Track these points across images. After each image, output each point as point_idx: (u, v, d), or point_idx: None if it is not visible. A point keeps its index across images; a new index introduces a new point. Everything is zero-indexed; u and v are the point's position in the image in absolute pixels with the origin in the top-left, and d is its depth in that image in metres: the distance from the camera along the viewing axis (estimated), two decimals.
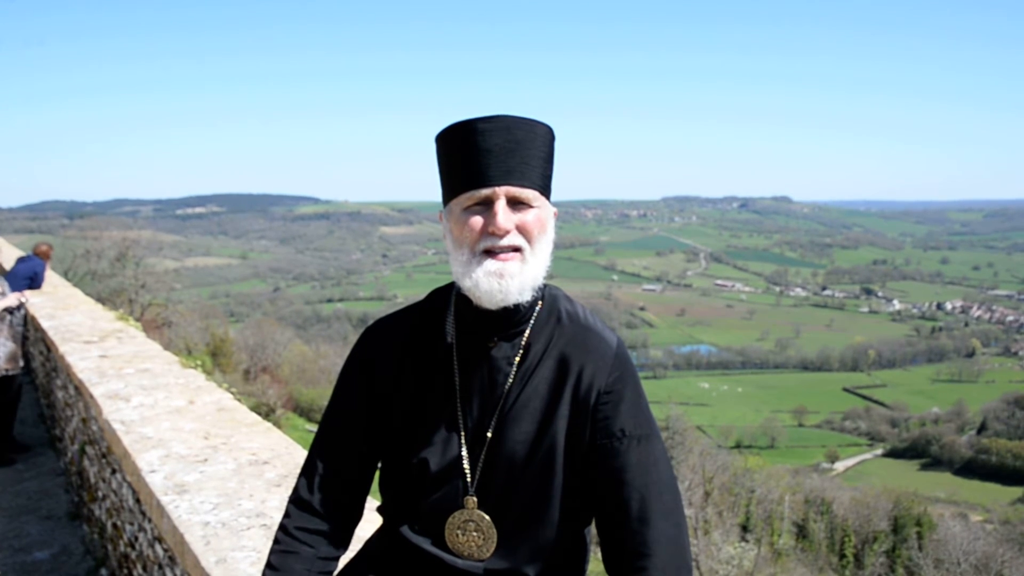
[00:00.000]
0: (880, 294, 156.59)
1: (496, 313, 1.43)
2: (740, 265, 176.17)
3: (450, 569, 1.47)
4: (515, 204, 1.38)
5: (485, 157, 1.36)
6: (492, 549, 1.46)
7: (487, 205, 1.37)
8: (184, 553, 2.71)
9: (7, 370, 6.51)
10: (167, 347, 7.12)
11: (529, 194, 1.38)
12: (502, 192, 1.36)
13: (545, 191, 1.42)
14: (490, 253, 1.37)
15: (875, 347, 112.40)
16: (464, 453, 1.46)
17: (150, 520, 3.34)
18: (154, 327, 23.76)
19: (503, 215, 1.35)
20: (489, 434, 1.46)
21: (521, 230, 1.38)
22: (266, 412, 25.20)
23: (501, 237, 1.36)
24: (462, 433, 1.47)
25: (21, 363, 6.69)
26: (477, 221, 1.37)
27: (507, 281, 1.35)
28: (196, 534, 2.72)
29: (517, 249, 1.38)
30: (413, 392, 1.51)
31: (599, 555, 1.48)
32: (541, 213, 1.40)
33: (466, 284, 1.39)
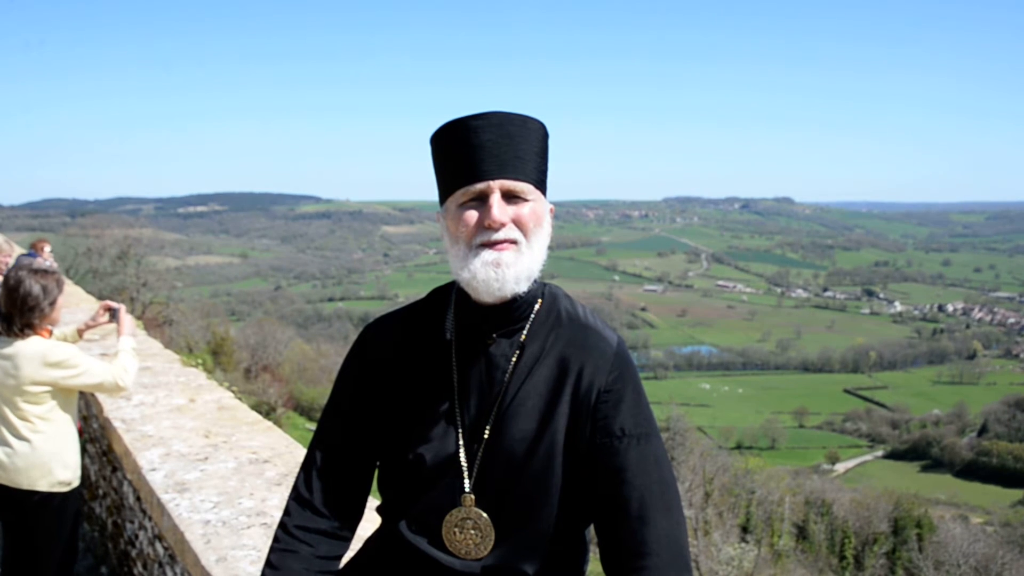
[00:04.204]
0: (881, 296, 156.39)
1: (495, 309, 1.43)
2: (741, 266, 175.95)
3: (448, 568, 1.47)
4: (510, 198, 1.39)
5: (479, 152, 1.37)
6: (490, 547, 1.46)
7: (482, 200, 1.38)
8: (184, 551, 2.72)
9: None
10: (168, 345, 7.14)
11: (523, 187, 1.39)
12: (496, 186, 1.37)
13: (540, 185, 1.43)
14: (486, 246, 1.37)
15: (876, 349, 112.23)
16: (461, 450, 1.46)
17: (150, 518, 3.35)
18: (155, 325, 23.79)
19: (498, 208, 1.36)
20: (487, 431, 1.46)
21: (517, 223, 1.39)
22: (267, 411, 25.23)
23: (497, 230, 1.37)
24: (459, 430, 1.47)
25: None
26: (472, 215, 1.38)
27: (503, 270, 1.36)
28: (196, 532, 2.72)
29: (513, 242, 1.38)
30: (411, 389, 1.51)
31: (599, 555, 1.48)
32: (536, 206, 1.41)
33: (464, 276, 1.39)
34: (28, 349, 3.13)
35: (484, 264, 1.37)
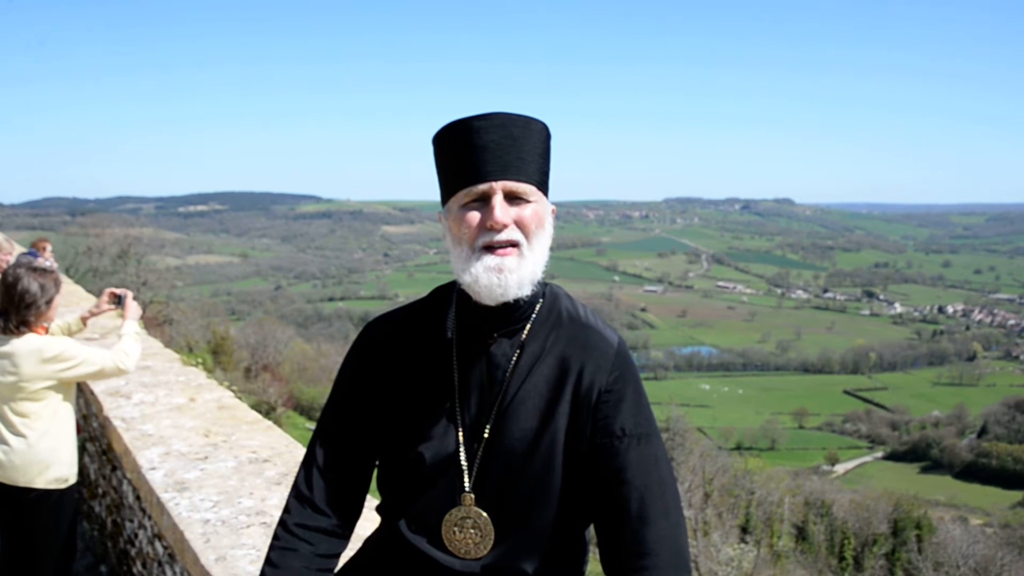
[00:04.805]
0: (881, 297, 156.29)
1: (496, 309, 1.43)
2: (742, 267, 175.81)
3: (447, 567, 1.47)
4: (512, 199, 1.39)
5: (482, 153, 1.37)
6: (489, 547, 1.46)
7: (485, 201, 1.38)
8: (184, 550, 2.72)
9: None
10: (168, 345, 7.14)
11: (526, 188, 1.39)
12: (499, 187, 1.37)
13: (542, 187, 1.43)
14: (489, 249, 1.37)
15: (876, 350, 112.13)
16: (461, 449, 1.46)
17: (150, 517, 3.35)
18: (155, 325, 23.76)
19: (500, 209, 1.36)
20: (487, 430, 1.46)
21: (519, 224, 1.39)
22: (267, 410, 25.19)
23: (499, 231, 1.37)
24: (459, 429, 1.47)
25: None
26: (475, 216, 1.38)
27: (506, 276, 1.36)
28: (196, 532, 2.72)
29: (515, 244, 1.38)
30: (412, 387, 1.51)
31: (599, 555, 1.48)
32: (538, 208, 1.41)
33: (466, 280, 1.39)
34: (24, 346, 3.14)
35: (487, 269, 1.37)
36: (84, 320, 3.92)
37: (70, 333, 3.85)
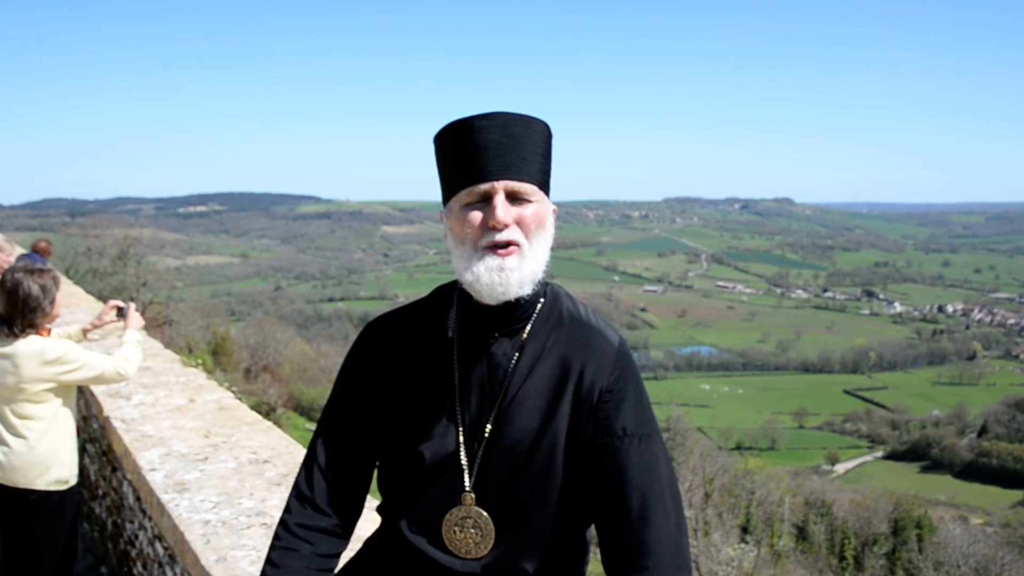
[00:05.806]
0: (881, 296, 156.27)
1: (497, 309, 1.43)
2: (741, 267, 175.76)
3: (447, 568, 1.47)
4: (514, 199, 1.39)
5: (483, 153, 1.37)
6: (490, 546, 1.46)
7: (486, 200, 1.38)
8: (184, 551, 2.72)
9: None
10: (168, 345, 7.14)
11: (527, 188, 1.39)
12: (500, 187, 1.37)
13: (544, 186, 1.43)
14: (490, 248, 1.37)
15: (876, 349, 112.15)
16: (461, 448, 1.46)
17: (150, 518, 3.35)
18: (155, 325, 23.73)
19: (502, 209, 1.36)
20: (487, 430, 1.46)
21: (520, 224, 1.39)
22: (267, 411, 25.18)
23: (500, 231, 1.37)
24: (460, 428, 1.47)
25: None
26: (476, 216, 1.38)
27: (507, 275, 1.36)
28: (196, 532, 2.72)
29: (516, 243, 1.38)
30: (412, 387, 1.51)
31: (599, 556, 1.48)
32: (539, 208, 1.41)
33: (467, 279, 1.40)
34: (26, 348, 3.14)
35: (488, 269, 1.37)
36: (85, 332, 3.94)
37: None
